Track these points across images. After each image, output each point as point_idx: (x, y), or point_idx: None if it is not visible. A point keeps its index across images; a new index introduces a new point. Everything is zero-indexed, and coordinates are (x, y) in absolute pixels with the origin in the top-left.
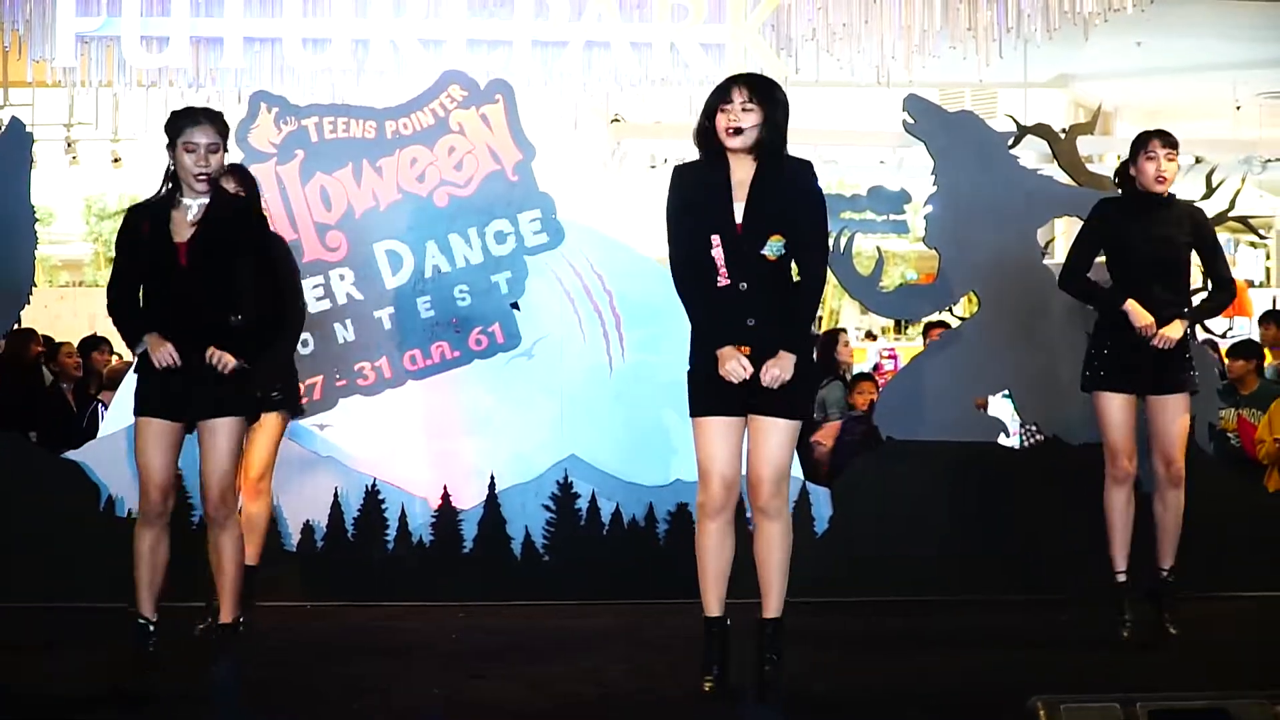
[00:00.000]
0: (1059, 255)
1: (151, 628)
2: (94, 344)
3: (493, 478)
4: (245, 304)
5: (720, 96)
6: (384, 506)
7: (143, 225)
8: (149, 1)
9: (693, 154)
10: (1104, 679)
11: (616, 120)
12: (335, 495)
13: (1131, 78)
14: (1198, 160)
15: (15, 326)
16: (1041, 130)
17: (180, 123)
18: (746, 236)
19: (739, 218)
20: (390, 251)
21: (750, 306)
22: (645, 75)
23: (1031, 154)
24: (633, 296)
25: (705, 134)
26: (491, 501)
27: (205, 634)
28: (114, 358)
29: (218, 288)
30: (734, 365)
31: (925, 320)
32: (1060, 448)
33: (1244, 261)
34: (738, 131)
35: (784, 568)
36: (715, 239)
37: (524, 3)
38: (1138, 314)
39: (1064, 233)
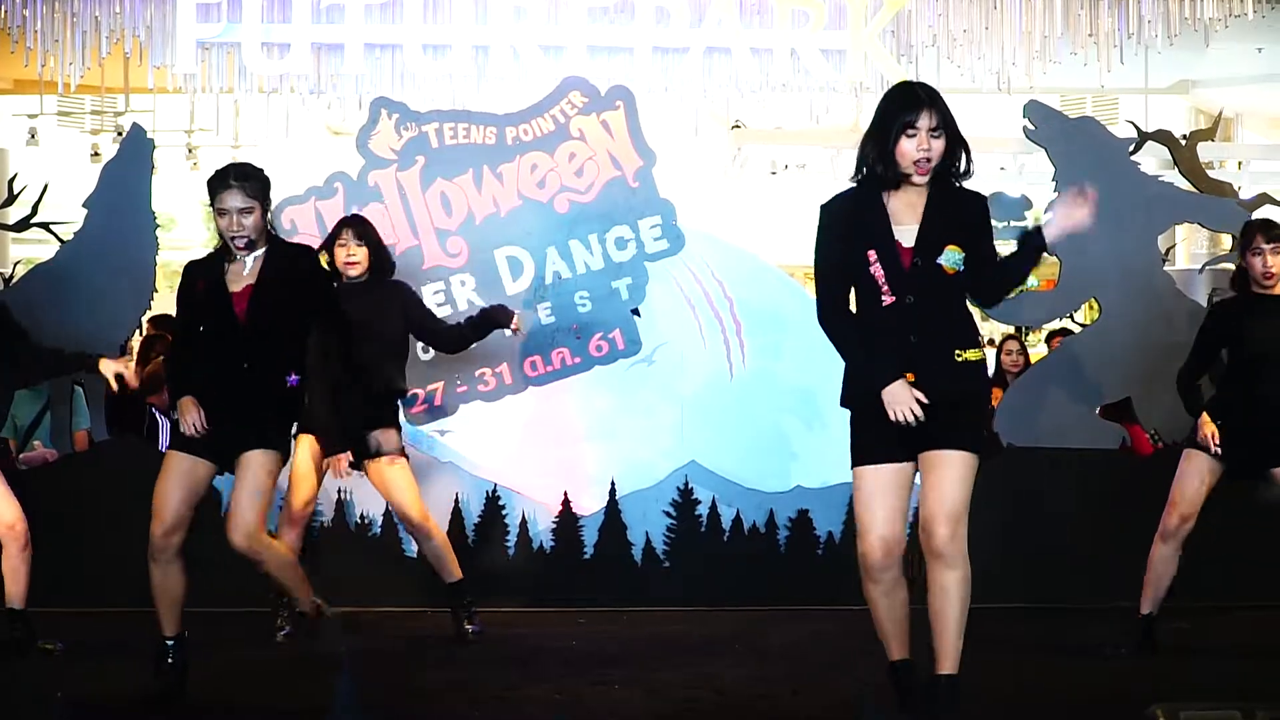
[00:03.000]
0: (1179, 262)
1: (170, 643)
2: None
3: (613, 484)
4: (310, 360)
5: (906, 115)
6: (504, 512)
7: (198, 283)
8: (270, 8)
9: (814, 160)
10: (1223, 688)
11: (737, 126)
12: (456, 501)
13: (1253, 84)
14: None
15: (140, 332)
16: (1162, 136)
17: (211, 186)
18: (922, 246)
19: (906, 239)
20: (511, 258)
21: (914, 322)
22: (766, 81)
23: (1152, 160)
24: (753, 303)
25: (884, 155)
26: (612, 508)
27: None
28: None
29: (275, 345)
30: (905, 408)
31: (1048, 328)
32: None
33: None
34: (928, 163)
35: (961, 621)
36: (872, 254)
37: (645, 9)
38: (1204, 429)
39: (1184, 239)
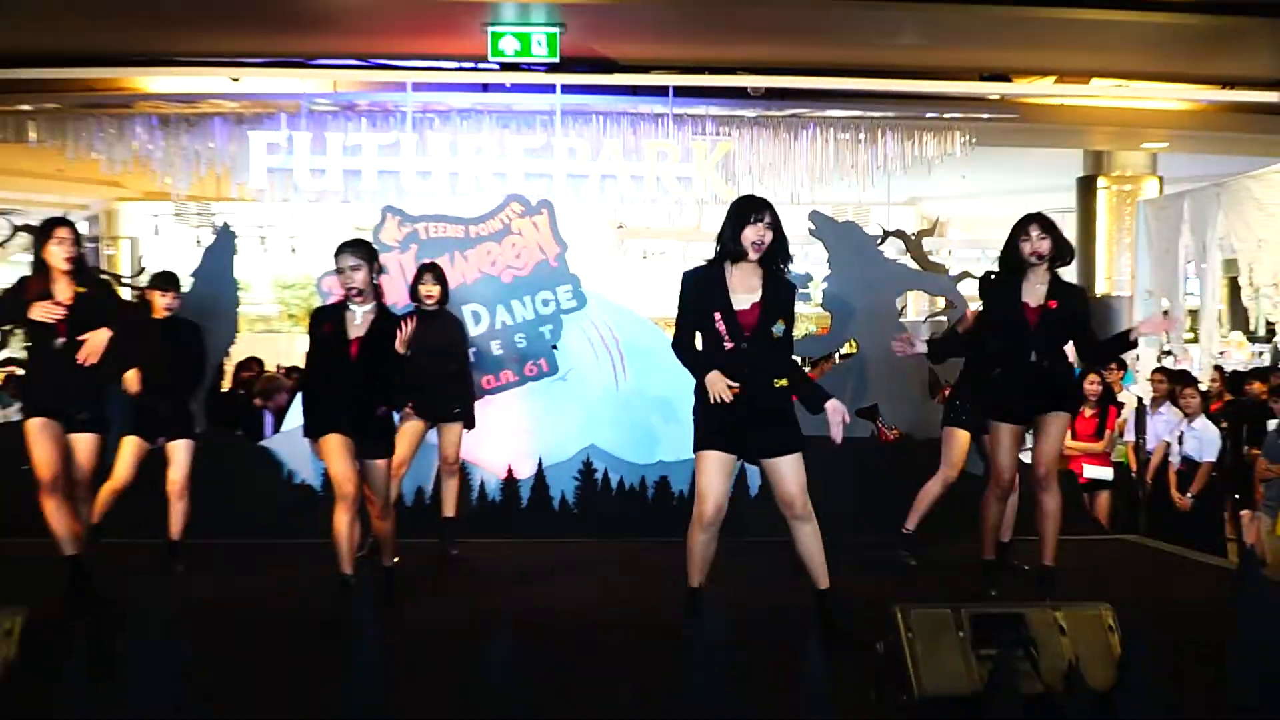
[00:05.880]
0: (910, 315)
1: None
2: (245, 365)
3: (540, 459)
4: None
5: (750, 214)
6: (470, 477)
7: (325, 325)
8: (314, 144)
9: (670, 249)
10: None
11: (621, 226)
12: (437, 470)
13: (959, 199)
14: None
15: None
16: (899, 234)
17: (336, 251)
18: (762, 318)
19: (742, 305)
20: (473, 311)
21: (747, 358)
22: (640, 196)
23: (892, 249)
24: (632, 341)
25: (734, 237)
26: (539, 475)
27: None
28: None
29: (374, 377)
30: (719, 389)
31: (818, 357)
32: (910, 443)
33: None
34: (761, 246)
35: (821, 554)
36: (717, 315)
37: (561, 149)
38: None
39: (913, 300)
